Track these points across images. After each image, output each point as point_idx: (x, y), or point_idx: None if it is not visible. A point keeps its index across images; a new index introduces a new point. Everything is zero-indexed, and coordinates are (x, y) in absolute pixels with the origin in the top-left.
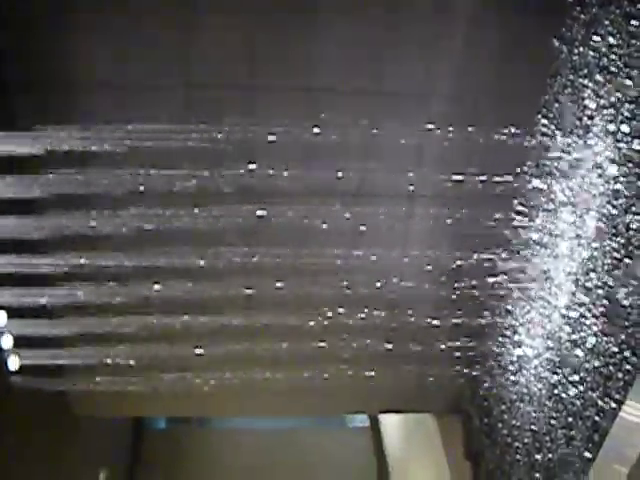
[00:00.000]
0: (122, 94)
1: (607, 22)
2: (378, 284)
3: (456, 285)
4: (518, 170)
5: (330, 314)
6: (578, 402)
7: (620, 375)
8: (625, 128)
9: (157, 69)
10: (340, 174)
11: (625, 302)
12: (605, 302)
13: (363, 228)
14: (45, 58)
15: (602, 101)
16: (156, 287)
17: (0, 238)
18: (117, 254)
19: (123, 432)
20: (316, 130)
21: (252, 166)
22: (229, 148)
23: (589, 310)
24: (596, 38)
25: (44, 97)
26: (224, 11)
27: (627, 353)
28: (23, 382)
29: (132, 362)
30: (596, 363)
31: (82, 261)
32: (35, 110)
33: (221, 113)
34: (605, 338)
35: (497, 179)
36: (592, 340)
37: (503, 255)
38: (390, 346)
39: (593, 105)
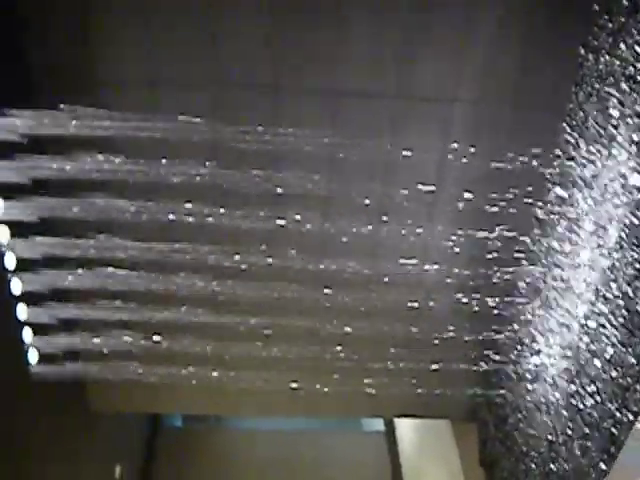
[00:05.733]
0: (150, 91)
1: (634, 31)
2: (397, 294)
3: (475, 293)
4: (541, 178)
5: (349, 321)
6: (595, 413)
7: (638, 387)
8: None
9: (185, 67)
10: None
11: None
12: (625, 313)
13: (383, 238)
14: (73, 53)
15: (627, 110)
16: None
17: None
18: (140, 243)
19: (140, 429)
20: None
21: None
22: (253, 150)
23: (608, 320)
24: (623, 47)
25: (69, 92)
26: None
27: None
28: (41, 375)
29: (151, 358)
30: (614, 374)
31: (105, 247)
32: (59, 104)
33: (247, 113)
34: (624, 349)
35: (519, 188)
36: (610, 350)
37: (523, 263)
38: (407, 352)
39: (618, 114)
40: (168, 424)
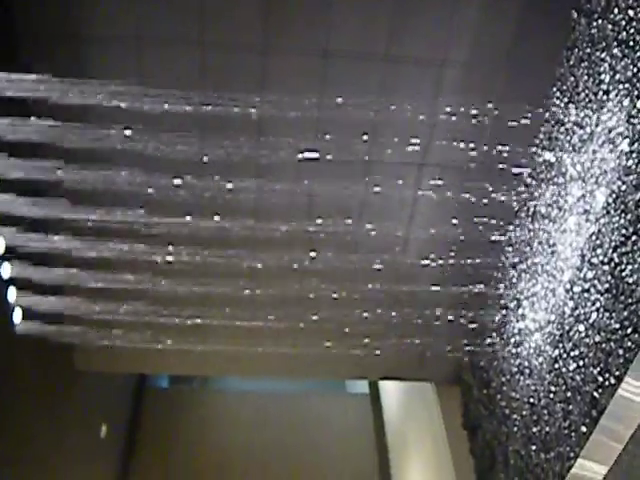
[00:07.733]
0: (135, 49)
1: None
2: (382, 256)
3: (460, 256)
4: (529, 142)
5: (334, 284)
6: (577, 377)
7: (621, 352)
8: None
9: (172, 26)
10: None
11: (630, 279)
12: (610, 278)
13: (370, 200)
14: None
15: (618, 75)
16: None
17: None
18: (127, 212)
19: (125, 389)
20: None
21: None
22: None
23: (593, 286)
24: (616, 10)
25: (53, 49)
26: None
27: (629, 330)
28: (26, 333)
29: (137, 319)
30: (597, 339)
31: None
32: (44, 61)
33: (234, 74)
34: (607, 314)
35: (507, 151)
36: (595, 315)
37: (509, 227)
38: (392, 314)
39: (609, 79)
40: (154, 384)
